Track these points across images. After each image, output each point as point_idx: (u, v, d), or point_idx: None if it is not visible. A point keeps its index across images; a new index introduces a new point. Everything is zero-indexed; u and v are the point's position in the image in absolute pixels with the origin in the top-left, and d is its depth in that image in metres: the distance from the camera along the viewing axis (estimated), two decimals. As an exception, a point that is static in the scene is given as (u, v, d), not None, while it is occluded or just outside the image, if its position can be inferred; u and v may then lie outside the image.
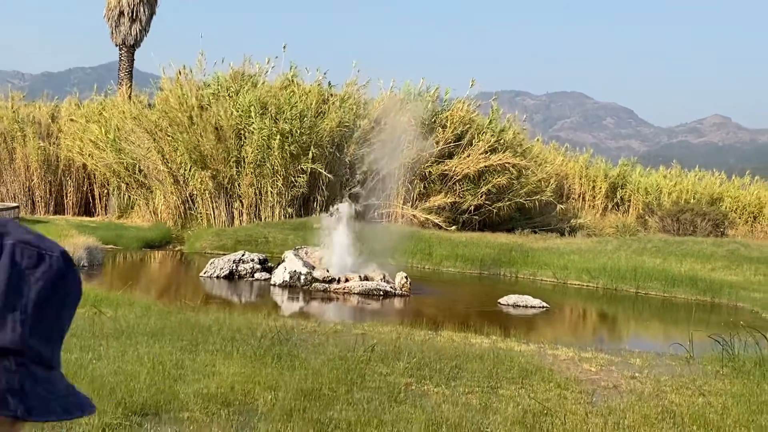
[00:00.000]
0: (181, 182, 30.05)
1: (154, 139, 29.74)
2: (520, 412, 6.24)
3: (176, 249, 24.37)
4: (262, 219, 29.01)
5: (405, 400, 6.47)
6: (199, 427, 5.33)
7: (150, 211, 31.88)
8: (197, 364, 7.01)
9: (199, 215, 30.12)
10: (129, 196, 33.25)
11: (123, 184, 32.90)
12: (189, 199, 30.42)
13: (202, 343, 7.92)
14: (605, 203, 41.62)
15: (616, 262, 21.37)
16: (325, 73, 31.40)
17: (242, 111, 28.28)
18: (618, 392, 7.50)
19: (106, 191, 35.49)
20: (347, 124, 28.89)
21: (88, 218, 32.67)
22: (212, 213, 29.68)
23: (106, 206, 35.69)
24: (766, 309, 16.36)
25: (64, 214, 34.12)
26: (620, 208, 42.35)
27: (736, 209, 40.53)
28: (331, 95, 30.78)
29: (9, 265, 0.75)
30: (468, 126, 32.65)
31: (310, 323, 10.30)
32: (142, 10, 37.87)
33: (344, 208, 18.39)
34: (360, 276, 15.87)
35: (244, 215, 29.50)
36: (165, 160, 29.77)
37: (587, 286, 19.96)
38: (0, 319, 0.74)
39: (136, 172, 31.52)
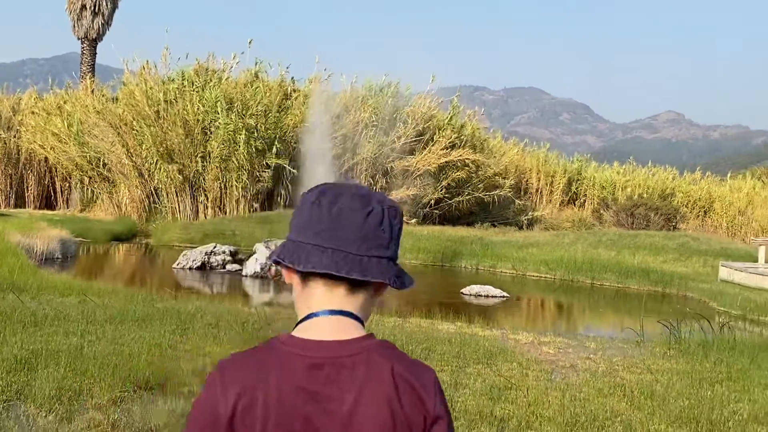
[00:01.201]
0: (146, 176, 30.27)
1: (119, 133, 29.89)
2: (487, 386, 6.89)
3: (143, 242, 24.68)
4: (227, 213, 29.42)
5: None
6: (200, 399, 5.87)
7: (113, 205, 32.02)
8: (189, 346, 7.55)
9: (163, 209, 30.37)
10: (92, 190, 33.34)
11: (86, 178, 32.97)
12: (153, 192, 30.65)
13: (189, 328, 8.44)
14: (562, 198, 42.68)
15: (573, 255, 22.23)
16: (287, 68, 31.83)
17: (208, 106, 28.60)
18: (574, 370, 8.19)
19: (68, 185, 35.52)
20: (310, 119, 29.40)
21: (50, 212, 32.68)
22: (177, 207, 29.97)
23: (67, 200, 35.72)
24: (712, 298, 17.30)
25: (24, 207, 34.10)
26: (576, 202, 43.46)
27: (687, 204, 41.85)
28: (294, 90, 31.24)
29: (391, 216, 1.42)
30: (429, 122, 33.36)
31: (286, 311, 10.85)
32: (104, 3, 37.95)
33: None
34: (329, 267, 16.46)
35: (209, 209, 29.87)
36: (130, 154, 29.95)
37: (545, 277, 20.80)
38: (394, 245, 1.43)
39: (100, 165, 31.63)
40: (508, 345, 9.47)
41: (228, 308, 10.27)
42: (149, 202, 30.84)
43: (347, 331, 1.38)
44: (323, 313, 1.38)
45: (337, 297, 1.39)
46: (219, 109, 28.03)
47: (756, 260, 22.25)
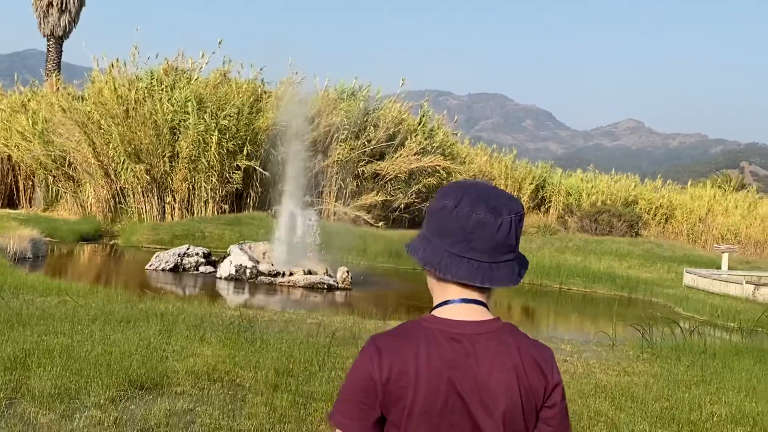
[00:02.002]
0: (112, 176, 29.96)
1: (85, 132, 29.53)
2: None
3: (111, 242, 24.46)
4: (195, 214, 29.23)
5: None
6: (195, 399, 5.94)
7: (77, 205, 31.61)
8: (176, 346, 7.58)
9: (129, 209, 30.07)
10: (56, 189, 32.89)
11: (50, 177, 32.51)
12: (119, 192, 30.34)
13: (174, 329, 8.47)
14: (528, 204, 43.12)
15: (541, 260, 22.53)
16: (261, 69, 31.73)
17: (178, 106, 28.41)
18: (554, 372, 8.38)
19: (31, 183, 34.98)
20: (282, 121, 29.34)
21: (12, 210, 32.14)
22: (144, 207, 29.71)
23: (30, 198, 35.17)
24: (678, 304, 17.68)
25: (-14, 206, 33.53)
26: (541, 208, 43.97)
27: (649, 211, 42.56)
28: (265, 92, 31.18)
29: (516, 222, 1.64)
30: (399, 126, 33.51)
31: (267, 313, 10.92)
32: (71, 1, 37.48)
33: (285, 205, 19.01)
34: (304, 270, 16.51)
35: (176, 210, 29.64)
36: (96, 153, 29.60)
37: (514, 281, 21.04)
38: (515, 246, 1.65)
39: (65, 164, 31.22)
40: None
41: (209, 310, 10.29)
42: (115, 202, 30.50)
43: (479, 314, 1.66)
44: (458, 302, 1.66)
45: (469, 291, 1.66)
46: (190, 109, 27.86)
47: (719, 267, 22.80)
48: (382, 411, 1.61)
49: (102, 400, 5.64)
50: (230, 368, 6.88)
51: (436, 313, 1.68)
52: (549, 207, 43.92)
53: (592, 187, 44.63)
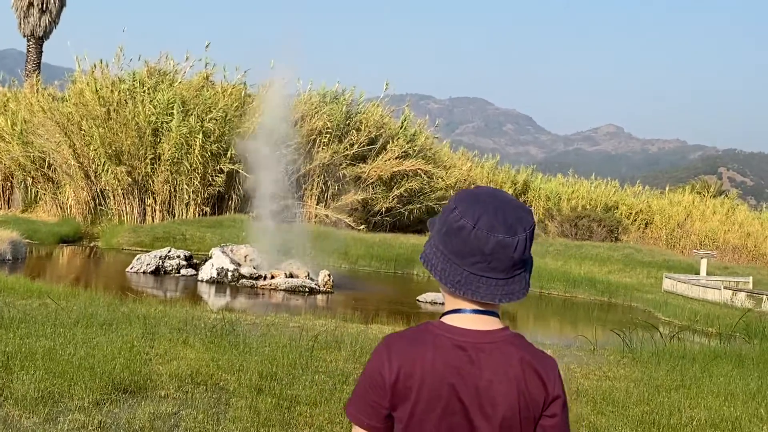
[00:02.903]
0: (92, 177, 29.78)
1: (66, 133, 29.35)
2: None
3: (91, 245, 24.32)
4: (176, 216, 29.14)
5: (353, 382, 7.22)
6: (179, 402, 5.93)
7: (57, 206, 31.40)
8: (159, 350, 7.56)
9: (109, 211, 29.91)
10: (35, 191, 32.64)
11: (29, 178, 32.26)
12: (100, 194, 30.17)
13: (157, 332, 8.44)
14: (508, 208, 43.26)
15: (522, 264, 22.64)
16: (245, 72, 31.68)
17: (160, 108, 28.30)
18: (536, 377, 8.43)
19: (9, 184, 34.68)
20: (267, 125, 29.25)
21: (-10, 211, 31.89)
22: (124, 209, 29.56)
23: (8, 200, 34.87)
24: (657, 309, 17.86)
25: (-37, 207, 33.22)
26: (522, 212, 44.13)
27: (629, 216, 42.86)
28: (248, 96, 31.12)
29: (529, 237, 1.68)
30: (382, 129, 33.56)
31: (249, 316, 10.92)
32: (52, 1, 37.23)
33: (266, 207, 19.00)
34: (285, 273, 16.51)
35: (157, 212, 29.53)
36: (76, 155, 29.43)
37: (495, 286, 21.14)
38: (529, 260, 1.71)
39: (44, 166, 31.01)
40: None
41: (192, 313, 10.27)
42: (95, 204, 30.33)
43: (487, 324, 1.72)
44: (469, 312, 1.72)
45: (481, 304, 1.72)
46: (174, 112, 27.75)
47: (697, 272, 23.02)
48: (390, 408, 1.70)
49: (86, 404, 5.62)
50: (214, 371, 6.88)
51: (446, 320, 1.73)
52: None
53: (573, 191, 44.87)
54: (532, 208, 43.86)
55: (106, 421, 5.34)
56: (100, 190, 29.93)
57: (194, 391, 6.28)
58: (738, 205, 47.70)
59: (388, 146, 32.91)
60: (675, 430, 6.45)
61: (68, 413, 5.40)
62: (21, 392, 5.60)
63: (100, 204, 30.16)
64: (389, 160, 32.33)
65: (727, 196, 51.74)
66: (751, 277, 22.09)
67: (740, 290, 18.51)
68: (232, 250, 17.40)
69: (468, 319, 1.70)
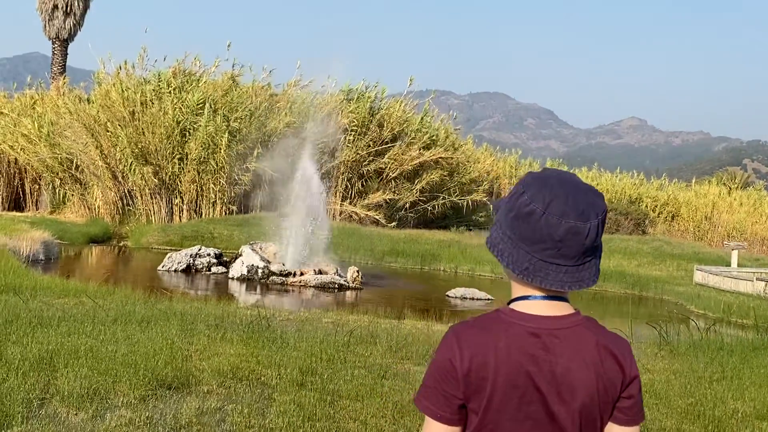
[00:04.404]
0: (120, 178, 30.01)
1: (93, 134, 29.60)
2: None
3: (120, 244, 24.52)
4: (203, 215, 29.30)
5: (392, 376, 7.21)
6: (223, 397, 5.96)
7: (84, 207, 31.68)
8: (198, 346, 7.60)
9: (137, 211, 30.13)
10: (63, 192, 32.95)
11: (57, 180, 32.57)
12: (127, 194, 30.40)
13: (194, 329, 8.48)
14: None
15: (549, 259, 22.54)
16: (270, 72, 31.81)
17: (190, 108, 28.48)
18: (575, 370, 8.38)
19: (38, 186, 35.04)
20: (294, 124, 29.30)
21: (19, 213, 32.22)
22: (152, 209, 29.76)
23: (37, 201, 35.24)
24: (689, 302, 17.69)
25: (-7, 209, 33.62)
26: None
27: (654, 209, 42.55)
28: (275, 95, 31.25)
29: (601, 223, 1.63)
30: (404, 125, 33.58)
31: (282, 312, 10.94)
32: (76, 3, 37.57)
33: (295, 206, 19.05)
34: (314, 270, 16.54)
35: (184, 211, 29.70)
36: (103, 156, 29.67)
37: (524, 280, 21.06)
38: (599, 246, 1.66)
39: (72, 167, 31.29)
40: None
41: (226, 309, 10.32)
42: (122, 204, 30.57)
43: (559, 309, 1.67)
44: (539, 298, 1.67)
45: (551, 290, 1.67)
46: (205, 111, 27.92)
47: (728, 264, 22.78)
48: (464, 399, 1.66)
49: (131, 400, 5.66)
50: (254, 367, 6.90)
51: (516, 307, 1.69)
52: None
53: (597, 184, 44.60)
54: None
55: (153, 416, 5.36)
56: (128, 191, 30.16)
57: (236, 386, 6.30)
58: (765, 196, 47.17)
59: (409, 139, 32.93)
60: (721, 422, 6.37)
61: (115, 409, 5.44)
62: (67, 389, 5.64)
63: (127, 204, 30.38)
64: (412, 152, 32.33)
65: (753, 187, 51.21)
66: (783, 269, 21.83)
67: (774, 282, 18.30)
68: (261, 248, 17.46)
69: (539, 306, 1.66)
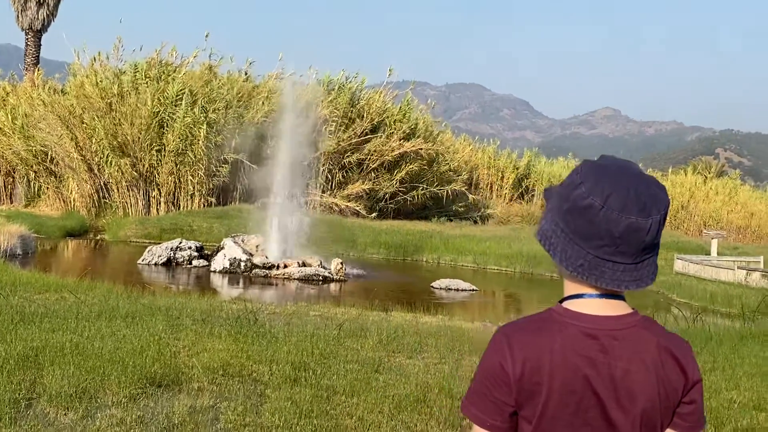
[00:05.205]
0: (96, 170, 29.62)
1: (68, 126, 29.16)
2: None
3: (98, 238, 24.19)
4: (181, 208, 29.01)
5: (385, 370, 7.11)
6: (215, 395, 5.82)
7: (60, 200, 31.26)
8: (186, 342, 7.44)
9: (114, 204, 29.77)
10: (39, 185, 32.47)
11: (31, 172, 32.09)
12: (103, 187, 30.02)
13: (180, 324, 8.32)
14: (512, 193, 43.22)
15: (531, 249, 22.52)
16: (251, 63, 31.55)
17: (170, 99, 28.14)
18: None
19: (11, 179, 34.51)
20: (273, 114, 29.07)
21: (-7, 206, 31.72)
22: (128, 202, 29.42)
23: (11, 194, 34.70)
24: (670, 290, 17.77)
25: (-35, 202, 33.06)
26: (525, 197, 44.09)
27: (632, 198, 42.86)
28: (256, 86, 31.01)
29: (662, 219, 1.49)
30: (384, 116, 33.49)
31: (269, 306, 10.81)
32: (49, -7, 36.92)
33: (277, 197, 18.89)
34: (298, 262, 16.39)
35: (162, 204, 29.39)
36: (79, 148, 29.25)
37: (506, 270, 21.06)
38: (659, 242, 1.51)
39: (46, 160, 30.83)
40: (494, 337, 9.59)
41: (212, 304, 10.17)
42: (98, 196, 30.19)
43: (616, 308, 1.55)
44: (594, 296, 1.54)
45: (606, 289, 1.54)
46: (183, 103, 27.59)
47: (707, 253, 22.93)
48: (516, 406, 1.54)
49: (121, 399, 5.50)
50: (244, 363, 6.76)
51: (569, 305, 1.56)
52: (533, 196, 44.03)
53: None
54: (535, 192, 43.79)
55: (145, 416, 5.22)
56: (104, 183, 29.77)
57: (228, 383, 6.16)
58: (740, 185, 47.63)
59: (389, 130, 32.86)
60: (718, 413, 6.33)
61: (105, 409, 5.29)
62: (55, 389, 5.47)
63: (103, 197, 30.01)
64: (392, 143, 32.26)
65: (729, 176, 51.68)
66: (762, 257, 22.00)
67: (755, 270, 18.43)
68: (243, 240, 17.29)
69: (595, 305, 1.53)
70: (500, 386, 1.53)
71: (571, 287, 1.58)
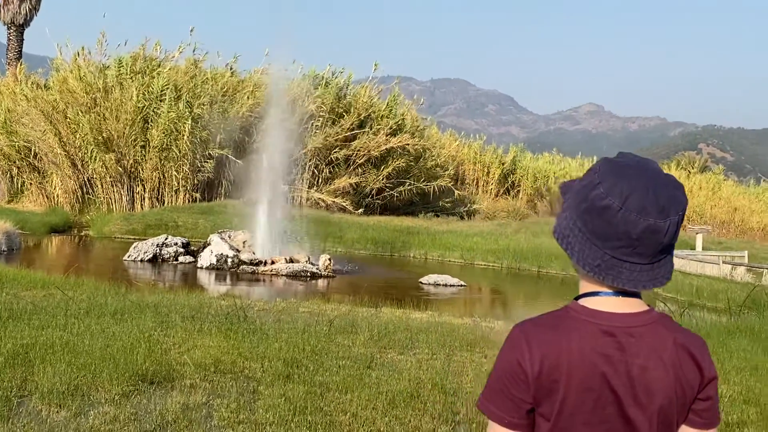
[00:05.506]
0: (79, 166, 29.41)
1: (51, 121, 28.93)
2: (484, 372, 6.99)
3: (82, 234, 24.03)
4: (165, 203, 28.86)
5: (378, 366, 7.09)
6: (208, 392, 5.78)
7: (43, 196, 31.03)
8: (176, 339, 7.40)
9: (97, 200, 29.57)
10: (22, 181, 32.21)
11: (14, 168, 31.82)
12: (87, 183, 29.81)
13: (170, 321, 8.27)
14: (498, 188, 43.31)
15: (518, 244, 22.62)
16: (236, 58, 31.42)
17: (155, 94, 27.97)
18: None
19: (-6, 175, 34.20)
20: (258, 110, 28.98)
21: (-25, 203, 31.43)
22: (112, 197, 29.24)
23: (-6, 190, 34.39)
24: (656, 285, 17.85)
25: (-52, 199, 32.73)
26: (510, 192, 44.20)
27: (617, 194, 43.06)
28: (241, 81, 30.88)
29: (680, 220, 1.48)
30: (370, 111, 33.46)
31: (258, 302, 10.76)
32: (32, -13, 36.58)
33: (259, 192, 18.81)
34: (286, 258, 16.34)
35: (146, 200, 29.24)
36: (62, 143, 29.04)
37: (493, 266, 21.10)
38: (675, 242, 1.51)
39: (30, 155, 30.59)
40: (485, 333, 9.60)
41: (200, 300, 10.12)
42: (82, 192, 29.99)
43: (632, 306, 1.55)
44: (611, 294, 1.55)
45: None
46: (168, 98, 27.42)
47: (692, 247, 23.07)
48: (533, 403, 1.55)
49: (114, 396, 5.47)
50: (236, 359, 6.73)
51: (585, 303, 1.56)
52: (519, 191, 44.13)
53: (561, 170, 44.95)
54: (521, 187, 43.89)
55: (138, 413, 5.18)
56: (88, 179, 29.56)
57: (220, 380, 6.13)
58: (724, 180, 47.95)
59: (375, 125, 32.85)
60: (709, 407, 6.36)
61: (98, 406, 5.24)
62: (47, 386, 5.43)
63: (87, 193, 29.80)
64: (378, 138, 32.24)
65: (712, 172, 52.01)
66: (746, 252, 22.17)
67: (740, 264, 18.56)
68: (230, 236, 17.20)
69: (611, 302, 1.54)
70: (518, 383, 1.53)
71: (586, 285, 1.59)
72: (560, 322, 1.55)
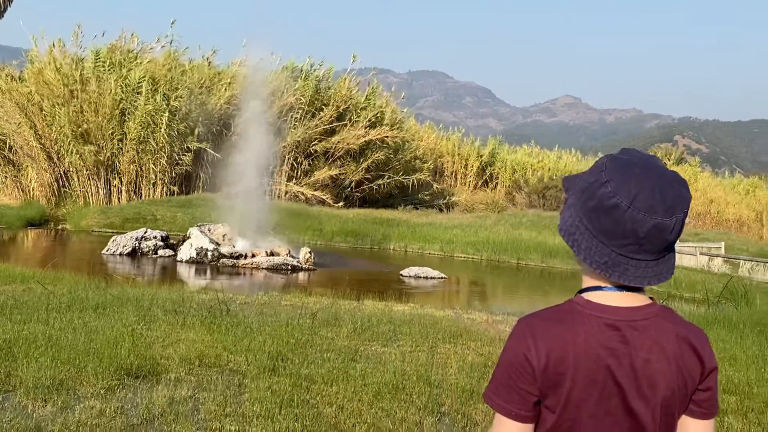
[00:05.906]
0: (55, 158, 29.12)
1: (26, 114, 28.61)
2: (467, 365, 7.04)
3: (59, 227, 23.81)
4: (143, 197, 28.66)
5: (362, 359, 7.12)
6: (194, 385, 5.78)
7: (18, 189, 30.70)
8: (159, 333, 7.38)
9: (74, 193, 29.30)
10: (-4, 174, 31.83)
11: (-12, 161, 31.44)
12: (63, 176, 29.53)
13: (151, 314, 8.24)
14: (476, 180, 43.43)
15: (497, 236, 22.72)
16: (214, 51, 31.20)
17: (132, 87, 27.72)
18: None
19: (-33, 168, 33.77)
20: (236, 102, 28.84)
21: (-52, 197, 31.04)
22: (89, 191, 28.98)
23: (-33, 185, 33.97)
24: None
25: None
26: (489, 185, 44.33)
27: (594, 185, 43.33)
28: (219, 73, 30.69)
29: (684, 218, 1.53)
30: (349, 103, 33.41)
31: (240, 296, 10.74)
32: (6, -22, 36.04)
33: (238, 185, 18.72)
34: (266, 251, 16.30)
35: (124, 193, 29.02)
36: (38, 136, 28.73)
37: (472, 258, 21.19)
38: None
39: (4, 148, 30.24)
40: (466, 324, 9.66)
41: (182, 294, 10.07)
42: (58, 185, 29.69)
43: (635, 300, 1.59)
44: (614, 289, 1.58)
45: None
46: (144, 90, 27.19)
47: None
48: (540, 396, 1.58)
49: (99, 390, 5.45)
50: (220, 353, 6.73)
51: (590, 297, 1.60)
52: (497, 184, 44.28)
53: (538, 162, 45.14)
54: (499, 180, 44.05)
55: (124, 407, 5.17)
56: (64, 172, 29.28)
57: (205, 373, 6.13)
58: (700, 172, 48.38)
59: (352, 118, 32.81)
60: (690, 396, 6.45)
61: (84, 400, 5.23)
62: (31, 381, 5.40)
63: (63, 186, 29.52)
64: (358, 130, 32.21)
65: (689, 163, 52.48)
66: (723, 243, 22.42)
67: (716, 256, 18.76)
68: (209, 230, 17.13)
69: (615, 297, 1.58)
70: (525, 376, 1.57)
71: (589, 280, 1.62)
72: (566, 316, 1.59)
